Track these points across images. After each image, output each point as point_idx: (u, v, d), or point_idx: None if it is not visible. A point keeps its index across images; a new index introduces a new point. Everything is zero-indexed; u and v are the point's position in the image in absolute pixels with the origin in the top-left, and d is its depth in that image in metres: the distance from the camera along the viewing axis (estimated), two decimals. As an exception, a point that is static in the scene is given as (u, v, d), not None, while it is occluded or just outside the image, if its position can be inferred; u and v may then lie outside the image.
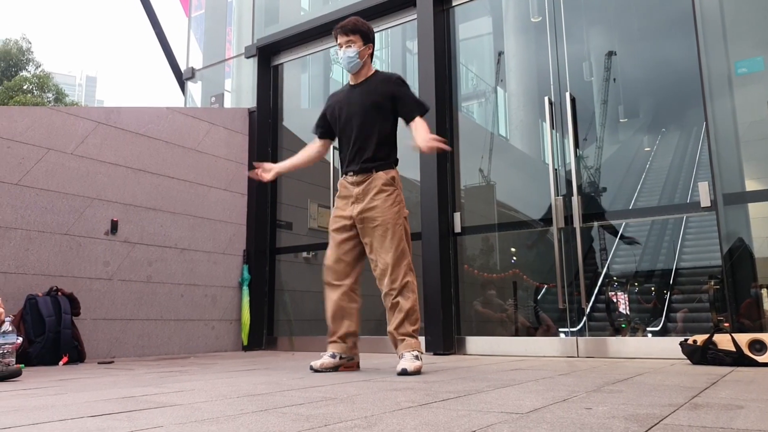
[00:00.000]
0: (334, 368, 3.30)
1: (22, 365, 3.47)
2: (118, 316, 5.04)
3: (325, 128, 3.65)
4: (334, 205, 3.52)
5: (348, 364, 3.35)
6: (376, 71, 3.54)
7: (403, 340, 3.20)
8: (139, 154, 5.39)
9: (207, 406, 1.94)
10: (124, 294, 5.11)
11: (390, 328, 3.24)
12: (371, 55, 3.53)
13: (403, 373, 2.98)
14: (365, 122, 3.39)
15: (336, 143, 3.68)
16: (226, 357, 5.06)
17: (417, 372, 3.03)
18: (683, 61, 4.45)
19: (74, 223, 4.82)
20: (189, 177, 5.79)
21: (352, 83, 3.54)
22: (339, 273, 3.37)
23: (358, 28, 3.47)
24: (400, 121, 3.46)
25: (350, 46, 3.44)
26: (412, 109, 3.39)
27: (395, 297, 3.21)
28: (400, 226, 3.27)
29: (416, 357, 3.12)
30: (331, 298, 3.37)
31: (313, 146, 3.72)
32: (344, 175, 3.46)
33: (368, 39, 3.49)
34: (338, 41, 3.49)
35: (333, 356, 3.31)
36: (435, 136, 3.26)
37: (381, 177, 3.32)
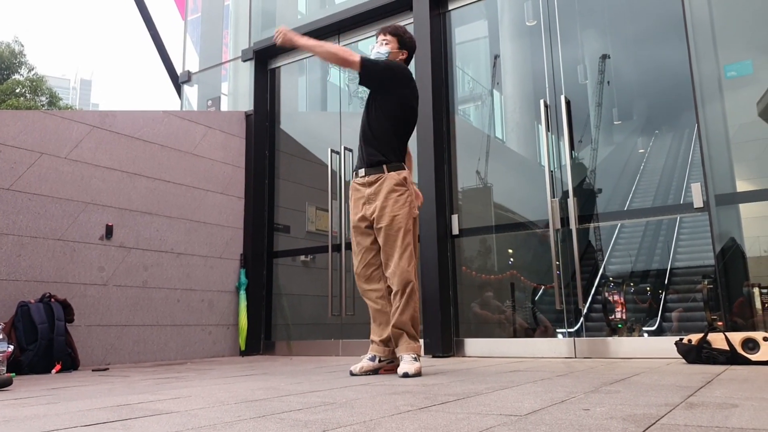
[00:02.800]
0: (374, 371, 3.29)
1: (13, 374, 3.44)
2: (113, 322, 5.02)
3: None
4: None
5: (388, 366, 3.33)
6: None
7: (404, 341, 3.20)
8: (135, 158, 5.38)
9: (204, 412, 1.93)
10: (119, 300, 5.09)
11: (391, 326, 3.24)
12: (405, 61, 3.52)
13: (405, 376, 3.00)
14: (374, 119, 3.39)
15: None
16: (224, 362, 5.05)
17: (418, 374, 3.04)
18: (675, 65, 4.48)
19: (68, 228, 4.81)
20: (185, 181, 5.77)
21: None
22: (372, 278, 3.36)
23: (396, 31, 3.50)
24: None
25: (384, 44, 3.47)
26: None
27: (401, 297, 3.19)
28: (410, 228, 3.26)
29: (415, 359, 3.14)
30: (371, 302, 3.36)
31: None
32: (354, 176, 3.44)
33: (404, 45, 3.49)
34: (377, 39, 3.53)
35: (372, 359, 3.31)
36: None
37: (393, 177, 3.29)
